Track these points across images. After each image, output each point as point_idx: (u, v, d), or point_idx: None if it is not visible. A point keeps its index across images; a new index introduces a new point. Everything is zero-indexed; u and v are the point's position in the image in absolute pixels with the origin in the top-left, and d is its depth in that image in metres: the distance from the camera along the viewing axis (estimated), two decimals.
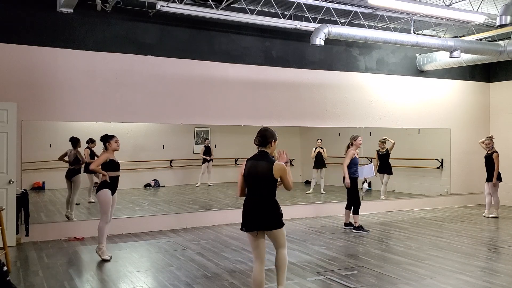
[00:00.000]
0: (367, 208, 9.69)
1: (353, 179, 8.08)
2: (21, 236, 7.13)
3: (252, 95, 9.14)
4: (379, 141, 10.66)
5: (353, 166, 8.07)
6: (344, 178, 8.08)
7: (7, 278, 3.54)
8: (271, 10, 8.95)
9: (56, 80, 7.59)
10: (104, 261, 6.11)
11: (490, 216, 9.61)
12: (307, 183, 11.78)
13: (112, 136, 6.24)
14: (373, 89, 10.41)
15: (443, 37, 9.88)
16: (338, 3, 8.56)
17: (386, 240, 7.48)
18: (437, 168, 11.42)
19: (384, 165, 10.63)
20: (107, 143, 6.19)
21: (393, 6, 7.99)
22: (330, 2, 8.49)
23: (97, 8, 7.79)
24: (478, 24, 9.77)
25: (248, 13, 8.42)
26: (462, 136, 11.46)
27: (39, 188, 8.41)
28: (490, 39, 10.33)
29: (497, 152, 9.63)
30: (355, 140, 8.10)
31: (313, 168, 11.14)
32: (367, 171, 8.93)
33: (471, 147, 11.16)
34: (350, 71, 10.15)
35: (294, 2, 8.38)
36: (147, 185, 10.28)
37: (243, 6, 8.52)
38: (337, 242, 7.29)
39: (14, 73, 7.31)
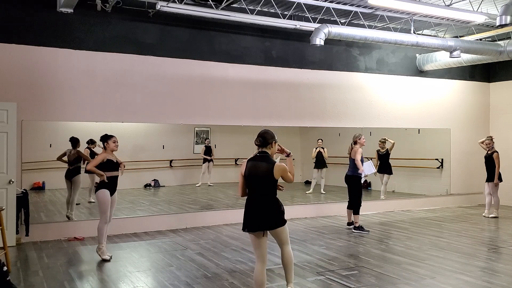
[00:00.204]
0: (367, 208, 9.68)
1: (358, 178, 8.09)
2: (21, 236, 7.13)
3: (252, 95, 9.14)
4: (379, 141, 10.66)
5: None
6: (347, 176, 8.15)
7: (7, 278, 3.55)
8: (271, 10, 8.95)
9: (56, 80, 7.59)
10: (104, 261, 6.11)
11: (490, 216, 9.61)
12: (307, 183, 11.78)
13: (110, 136, 6.24)
14: (373, 89, 10.41)
15: (443, 37, 9.88)
16: (338, 3, 8.56)
17: (386, 240, 7.48)
18: (437, 168, 11.42)
19: (384, 165, 10.62)
20: (105, 143, 6.21)
21: (393, 6, 7.99)
22: (330, 2, 8.49)
23: (97, 8, 7.79)
24: (478, 24, 9.76)
25: (248, 13, 8.42)
26: (462, 136, 11.46)
27: (39, 188, 8.41)
28: (490, 39, 10.32)
29: (497, 152, 9.63)
30: (359, 139, 8.11)
31: (314, 168, 11.15)
32: (366, 168, 8.92)
33: (471, 147, 11.16)
34: (350, 71, 10.15)
35: (294, 2, 8.38)
36: (147, 185, 10.28)
37: (243, 6, 8.52)
38: (337, 242, 7.29)
39: (14, 73, 7.31)
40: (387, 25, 9.73)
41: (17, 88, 7.31)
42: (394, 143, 10.70)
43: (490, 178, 9.67)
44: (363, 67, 10.32)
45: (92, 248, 6.59)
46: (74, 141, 8.01)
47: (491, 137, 9.84)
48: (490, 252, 6.69)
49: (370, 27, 9.71)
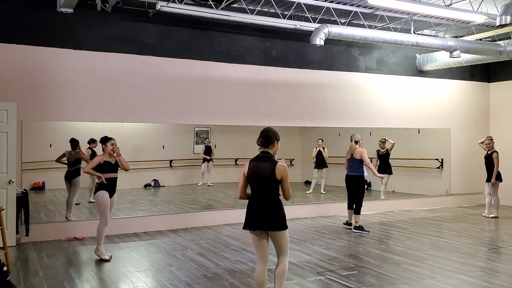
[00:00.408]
0: (367, 208, 9.66)
1: (361, 178, 8.12)
2: (21, 236, 7.13)
3: (252, 95, 9.14)
4: (379, 141, 10.66)
5: (361, 164, 8.08)
6: (350, 177, 8.15)
7: (7, 278, 3.54)
8: (271, 10, 8.95)
9: (56, 80, 7.59)
10: (104, 261, 6.11)
11: (490, 216, 9.61)
12: (307, 183, 11.78)
13: (109, 139, 6.24)
14: (373, 89, 10.41)
15: (443, 37, 9.88)
16: (338, 3, 8.56)
17: (386, 240, 7.48)
18: (437, 168, 11.42)
19: (384, 165, 10.62)
20: (104, 146, 6.23)
21: (393, 6, 7.99)
22: (330, 2, 8.49)
23: (97, 8, 7.79)
24: (478, 24, 9.76)
25: (248, 13, 8.42)
26: (462, 136, 11.46)
27: (39, 188, 8.41)
28: (490, 39, 10.32)
29: (497, 152, 9.63)
30: (359, 139, 8.19)
31: (314, 168, 11.15)
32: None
33: (471, 147, 11.16)
34: (350, 71, 10.15)
35: (294, 2, 8.38)
36: (147, 185, 10.28)
37: (243, 6, 8.52)
38: (337, 242, 7.29)
39: (14, 73, 7.31)
40: (387, 25, 9.73)
41: (17, 88, 7.31)
42: (394, 143, 10.70)
43: (490, 178, 9.66)
44: (363, 67, 10.32)
45: (92, 248, 6.59)
46: (74, 143, 8.00)
47: (490, 137, 9.85)
48: (490, 252, 6.69)
49: (370, 27, 9.71)
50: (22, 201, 7.08)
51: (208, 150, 10.68)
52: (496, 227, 8.71)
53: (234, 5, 8.39)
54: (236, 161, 10.85)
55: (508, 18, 6.90)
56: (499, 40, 10.13)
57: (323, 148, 11.00)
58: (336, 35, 8.04)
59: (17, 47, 7.34)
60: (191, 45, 8.61)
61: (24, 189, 7.27)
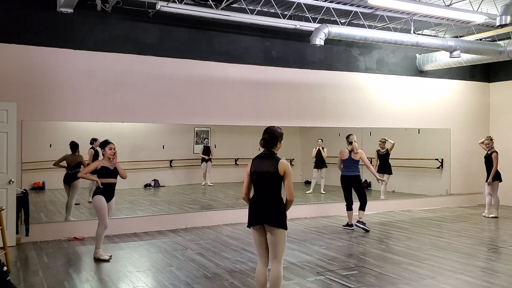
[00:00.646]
0: (367, 208, 9.63)
1: (360, 176, 8.25)
2: (21, 236, 7.13)
3: (252, 95, 9.14)
4: (379, 141, 10.66)
5: (358, 164, 8.15)
6: (352, 177, 8.18)
7: (7, 278, 3.55)
8: (271, 10, 8.95)
9: (56, 80, 7.59)
10: (104, 261, 6.10)
11: (490, 216, 9.61)
12: (307, 183, 11.77)
13: (108, 143, 6.21)
14: (373, 89, 10.41)
15: (443, 37, 9.88)
16: (338, 3, 8.56)
17: (386, 240, 7.48)
18: (437, 168, 11.42)
19: (384, 165, 10.62)
20: (103, 150, 6.21)
21: (393, 6, 7.99)
22: (330, 2, 8.49)
23: (97, 8, 7.80)
24: (478, 24, 9.77)
25: (248, 13, 8.43)
26: (462, 136, 11.46)
27: (39, 188, 8.41)
28: (490, 39, 10.33)
29: (496, 152, 9.63)
30: (354, 140, 8.20)
31: (314, 168, 11.14)
32: None
33: (471, 147, 11.16)
34: (350, 71, 10.15)
35: (294, 2, 8.38)
36: (147, 185, 10.28)
37: (243, 6, 8.52)
38: (337, 242, 7.29)
39: (14, 73, 7.31)
40: (387, 25, 9.73)
41: (17, 88, 7.31)
42: (394, 143, 10.70)
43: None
44: (363, 67, 10.32)
45: (92, 248, 6.59)
46: (74, 146, 7.96)
47: (490, 137, 9.85)
48: (490, 252, 6.69)
49: (370, 27, 9.71)
50: (22, 201, 7.08)
51: (206, 150, 10.67)
52: (496, 227, 8.71)
53: (234, 5, 8.39)
54: (236, 161, 10.85)
55: (508, 18, 6.90)
56: (499, 40, 10.13)
57: (322, 148, 11.00)
58: (336, 35, 8.04)
59: (17, 47, 7.34)
60: (191, 45, 8.61)
61: (24, 189, 7.27)
